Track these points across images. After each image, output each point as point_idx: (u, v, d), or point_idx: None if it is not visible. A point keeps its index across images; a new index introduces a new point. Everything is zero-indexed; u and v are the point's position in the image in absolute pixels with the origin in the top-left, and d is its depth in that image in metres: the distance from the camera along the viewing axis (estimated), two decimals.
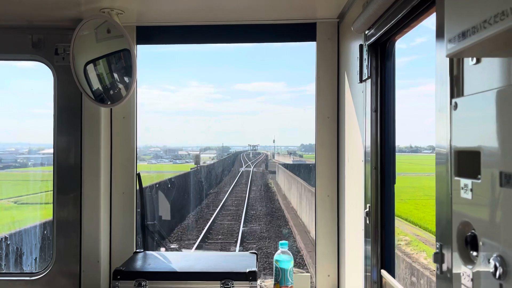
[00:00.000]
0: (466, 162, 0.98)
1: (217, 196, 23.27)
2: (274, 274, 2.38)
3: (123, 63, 2.51)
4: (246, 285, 2.23)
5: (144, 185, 2.84)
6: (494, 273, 0.85)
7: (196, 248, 12.55)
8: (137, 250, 2.69)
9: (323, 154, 2.66)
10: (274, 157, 56.61)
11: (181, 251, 3.61)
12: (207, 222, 16.20)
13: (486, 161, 0.90)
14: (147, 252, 2.67)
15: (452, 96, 1.14)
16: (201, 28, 2.72)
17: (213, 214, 17.81)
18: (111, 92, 2.54)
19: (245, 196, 22.51)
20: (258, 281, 2.31)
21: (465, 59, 1.10)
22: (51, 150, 2.67)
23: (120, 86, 2.53)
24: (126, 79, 2.51)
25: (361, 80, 2.09)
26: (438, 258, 1.19)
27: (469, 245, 0.97)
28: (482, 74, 1.01)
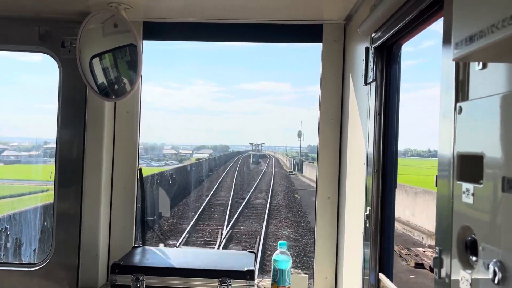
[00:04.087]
0: (469, 166, 0.98)
1: None
2: (272, 274, 2.38)
3: (128, 58, 2.51)
4: (244, 284, 2.23)
5: None
6: (493, 279, 0.85)
7: None
8: (136, 245, 2.69)
9: (325, 156, 2.66)
10: (303, 171, 27.19)
11: (180, 247, 3.61)
12: None
13: (488, 166, 0.89)
14: (146, 247, 2.67)
15: (457, 101, 1.14)
16: (208, 25, 2.72)
17: None
18: (116, 86, 2.55)
19: None
20: (256, 281, 2.31)
21: (472, 64, 1.09)
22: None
23: (125, 80, 2.54)
24: (131, 74, 2.51)
25: (366, 83, 2.08)
26: (437, 263, 1.18)
27: (469, 249, 0.96)
28: (488, 79, 1.01)
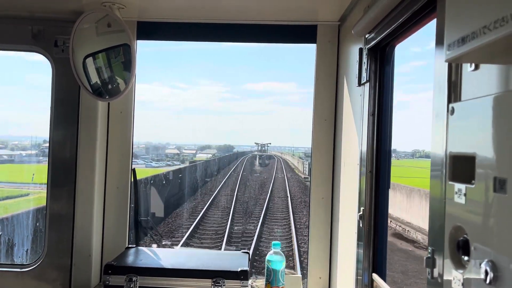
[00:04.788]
0: (461, 167, 0.99)
1: None
2: (265, 274, 2.38)
3: (122, 58, 2.50)
4: (238, 284, 2.23)
5: None
6: (485, 279, 0.85)
7: None
8: (129, 246, 2.68)
9: (319, 157, 2.66)
10: None
11: (173, 247, 3.60)
12: None
13: (480, 166, 0.90)
14: (139, 247, 2.66)
15: (449, 101, 1.15)
16: (202, 26, 2.72)
17: None
18: (109, 86, 2.54)
19: None
20: (249, 281, 2.31)
21: (464, 65, 1.10)
22: None
23: (119, 80, 2.53)
24: (124, 73, 2.50)
25: (359, 84, 2.09)
26: (430, 263, 1.19)
27: (461, 249, 0.97)
28: (480, 80, 1.02)
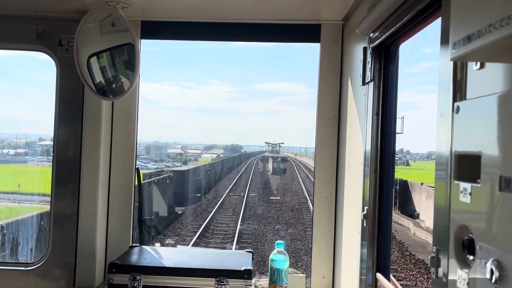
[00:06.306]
0: (466, 166, 0.98)
1: None
2: (269, 273, 2.38)
3: (126, 57, 2.51)
4: (241, 283, 2.23)
5: None
6: (490, 278, 0.85)
7: None
8: (133, 244, 2.69)
9: (323, 156, 2.66)
10: None
11: (177, 246, 3.60)
12: None
13: (486, 165, 0.89)
14: (143, 246, 2.66)
15: (454, 100, 1.14)
16: (206, 25, 2.72)
17: None
18: (114, 85, 2.54)
19: None
20: (253, 280, 2.31)
21: (469, 64, 1.10)
22: None
23: (123, 80, 2.53)
24: (128, 73, 2.51)
25: (363, 83, 2.08)
26: (435, 262, 1.19)
27: (466, 249, 0.96)
28: (486, 79, 1.01)
